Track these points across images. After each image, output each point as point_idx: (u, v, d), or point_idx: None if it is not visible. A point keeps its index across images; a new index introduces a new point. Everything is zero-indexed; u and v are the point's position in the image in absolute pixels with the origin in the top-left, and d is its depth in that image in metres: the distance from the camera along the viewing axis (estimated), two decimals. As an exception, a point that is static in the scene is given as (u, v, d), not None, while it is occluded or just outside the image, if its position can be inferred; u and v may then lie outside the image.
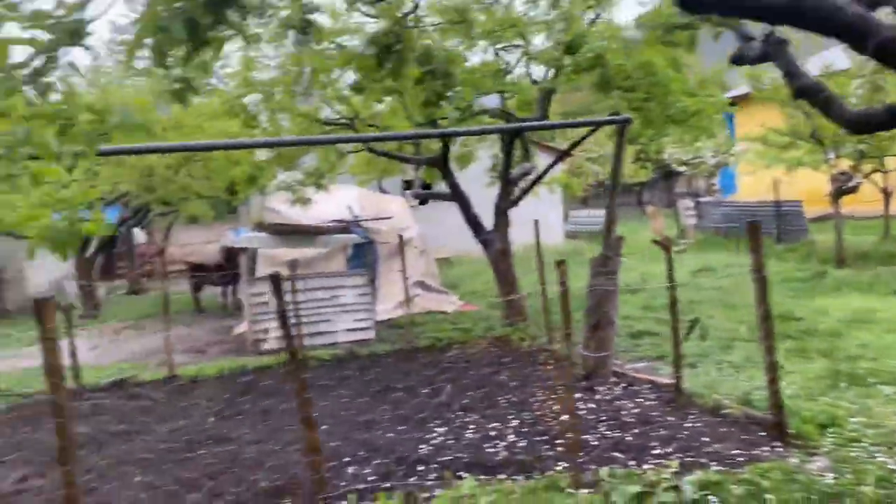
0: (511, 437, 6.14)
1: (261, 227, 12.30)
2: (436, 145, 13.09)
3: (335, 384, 8.37)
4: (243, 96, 10.15)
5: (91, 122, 3.02)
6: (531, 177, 11.87)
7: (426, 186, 16.17)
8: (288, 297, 10.66)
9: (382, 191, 18.01)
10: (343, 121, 11.76)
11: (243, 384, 8.92)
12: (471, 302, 14.25)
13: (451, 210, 19.14)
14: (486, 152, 13.87)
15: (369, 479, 5.43)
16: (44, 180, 3.55)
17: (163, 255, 24.20)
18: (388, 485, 5.23)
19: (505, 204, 10.83)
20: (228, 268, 15.90)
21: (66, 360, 9.39)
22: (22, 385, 9.72)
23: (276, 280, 4.59)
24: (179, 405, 8.11)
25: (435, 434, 6.39)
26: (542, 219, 13.87)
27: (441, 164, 11.03)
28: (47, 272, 19.77)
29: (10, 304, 19.20)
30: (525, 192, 10.98)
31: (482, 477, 5.17)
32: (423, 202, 19.72)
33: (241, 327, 12.55)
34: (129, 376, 9.74)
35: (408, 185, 19.00)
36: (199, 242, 19.11)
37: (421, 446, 6.07)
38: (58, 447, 4.26)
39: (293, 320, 10.41)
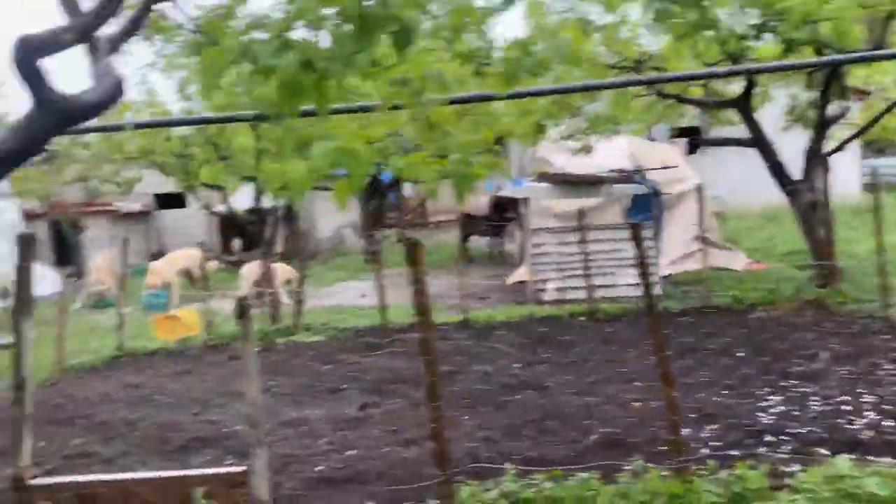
0: (870, 414, 5.37)
1: (542, 177, 12.24)
2: (722, 87, 11.95)
3: (636, 340, 8.00)
4: (531, 44, 9.97)
5: (511, 59, 2.93)
6: (846, 119, 10.36)
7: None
8: (572, 249, 10.59)
9: (651, 139, 17.06)
10: (626, 64, 11.12)
11: (539, 332, 8.98)
12: (757, 260, 13.04)
13: (720, 159, 17.66)
14: (783, 92, 12.37)
15: (710, 444, 5.08)
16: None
17: (424, 208, 25.78)
18: (735, 452, 4.82)
19: (820, 149, 9.54)
20: (495, 219, 16.24)
21: (374, 300, 10.27)
22: (333, 320, 10.78)
23: (635, 228, 4.33)
24: (482, 349, 8.37)
25: (770, 402, 5.83)
26: (835, 168, 12.08)
27: (742, 106, 9.99)
28: (331, 222, 21.91)
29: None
30: (852, 138, 9.55)
31: (852, 456, 4.54)
32: (691, 150, 18.40)
33: (516, 275, 12.73)
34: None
35: (680, 132, 17.79)
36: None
37: (759, 414, 5.56)
38: (427, 384, 4.46)
39: (579, 272, 10.29)
